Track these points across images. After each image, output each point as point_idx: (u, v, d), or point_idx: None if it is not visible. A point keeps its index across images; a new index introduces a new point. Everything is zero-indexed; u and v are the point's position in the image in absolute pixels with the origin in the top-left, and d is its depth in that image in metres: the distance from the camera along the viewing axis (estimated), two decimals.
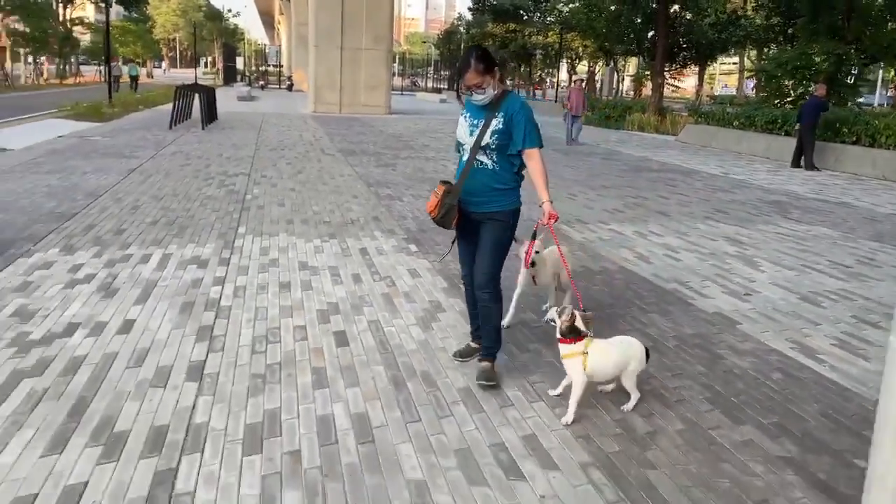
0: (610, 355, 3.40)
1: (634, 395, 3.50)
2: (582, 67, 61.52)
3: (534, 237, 4.24)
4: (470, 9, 60.43)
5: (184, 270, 5.50)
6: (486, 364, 3.74)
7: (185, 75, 66.67)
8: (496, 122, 3.56)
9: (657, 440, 3.19)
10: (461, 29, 68.74)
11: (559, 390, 3.60)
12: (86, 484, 2.67)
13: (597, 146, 17.82)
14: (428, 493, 2.70)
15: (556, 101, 41.41)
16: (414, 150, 15.38)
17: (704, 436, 3.26)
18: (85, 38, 65.17)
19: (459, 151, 3.81)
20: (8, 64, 47.94)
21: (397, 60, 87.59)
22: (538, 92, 65.71)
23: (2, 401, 3.29)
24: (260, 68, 68.68)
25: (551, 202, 3.62)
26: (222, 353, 3.94)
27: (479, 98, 3.58)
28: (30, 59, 53.78)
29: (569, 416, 3.31)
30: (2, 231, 6.46)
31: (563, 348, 3.39)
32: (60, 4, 54.31)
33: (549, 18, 52.87)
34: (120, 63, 49.91)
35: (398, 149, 15.37)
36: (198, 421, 3.17)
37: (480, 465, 2.91)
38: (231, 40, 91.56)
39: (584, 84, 22.66)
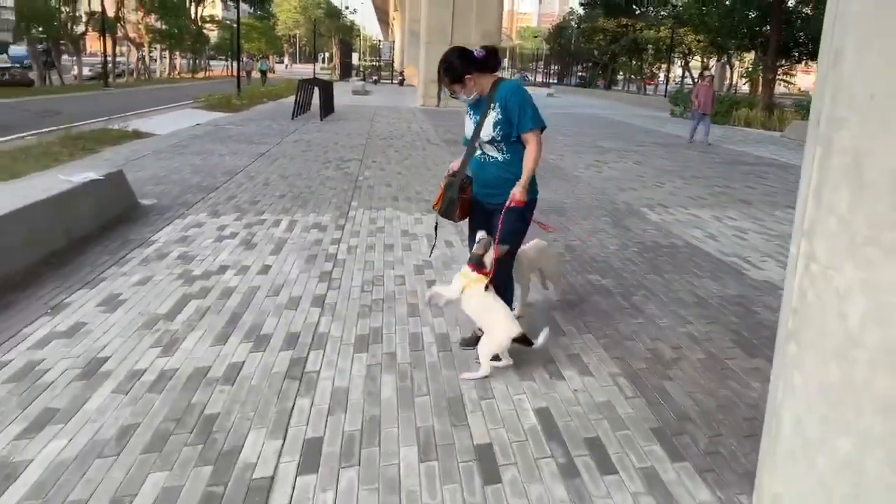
0: (479, 305, 3.64)
1: (483, 369, 3.62)
2: (696, 62, 60.23)
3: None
4: (581, 3, 60.34)
5: (307, 233, 6.61)
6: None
7: (305, 70, 69.98)
8: (494, 114, 3.60)
9: (679, 364, 3.95)
10: (572, 24, 68.70)
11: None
12: (243, 363, 3.73)
13: (699, 140, 18.01)
14: (488, 383, 3.59)
15: (665, 96, 40.99)
16: None
17: (720, 363, 3.98)
18: (213, 34, 69.65)
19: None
20: (146, 59, 52.17)
21: (507, 55, 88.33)
22: (650, 86, 64.79)
23: (178, 312, 4.43)
24: (374, 64, 71.11)
25: (524, 188, 3.55)
26: (339, 290, 4.97)
27: (464, 99, 3.70)
28: (165, 54, 58.22)
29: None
30: (161, 198, 7.82)
31: (466, 270, 3.68)
32: (192, 3, 58.44)
33: (661, 13, 52.17)
34: (252, 59, 53.96)
35: None
36: (321, 331, 4.20)
37: (531, 370, 3.77)
38: (348, 36, 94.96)
39: (713, 81, 20.83)
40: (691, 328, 4.53)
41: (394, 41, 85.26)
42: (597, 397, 3.49)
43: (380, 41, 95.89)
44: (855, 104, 2.02)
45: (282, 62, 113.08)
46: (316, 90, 21.44)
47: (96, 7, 42.54)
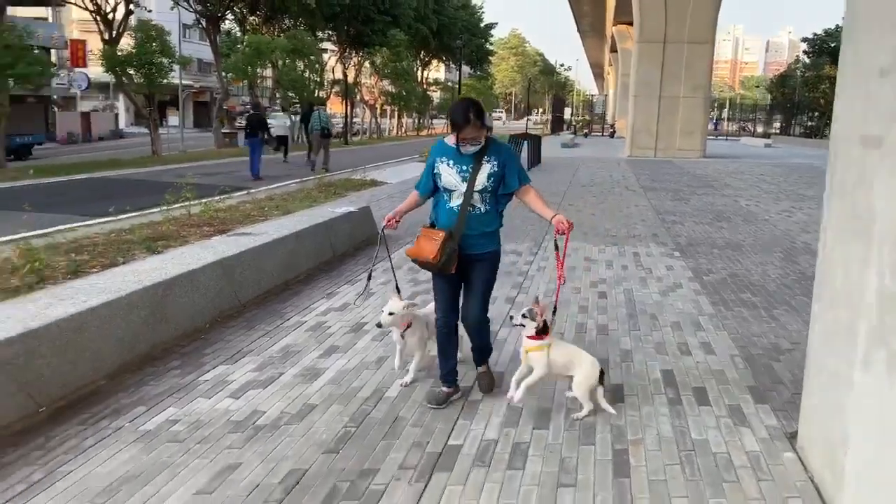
0: (563, 356, 3.86)
1: (586, 406, 3.83)
2: None
3: (556, 248, 4.16)
4: (805, 52, 57.87)
5: (506, 256, 8.15)
6: (482, 369, 4.25)
7: (519, 126, 73.38)
8: (490, 167, 3.82)
9: (791, 352, 4.92)
10: (798, 72, 65.81)
11: (518, 395, 3.80)
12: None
13: None
14: (630, 355, 4.85)
15: None
16: (713, 188, 16.82)
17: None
18: (435, 94, 75.43)
19: (446, 196, 3.92)
20: (378, 118, 58.11)
21: (728, 105, 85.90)
22: None
23: (412, 299, 6.13)
24: (585, 117, 72.81)
25: (560, 215, 3.86)
26: (526, 294, 6.45)
27: (472, 149, 3.78)
28: (394, 113, 64.33)
29: (518, 394, 3.80)
30: (394, 233, 9.82)
31: (529, 343, 3.84)
32: (420, 68, 64.13)
33: None
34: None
35: (697, 186, 16.94)
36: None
37: (667, 348, 4.98)
38: (561, 92, 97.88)
39: None
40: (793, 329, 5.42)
41: (606, 94, 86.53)
42: (713, 367, 4.63)
43: (593, 95, 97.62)
44: (842, 148, 3.17)
45: (499, 119, 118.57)
46: (525, 143, 23.37)
47: (338, 75, 48.75)
